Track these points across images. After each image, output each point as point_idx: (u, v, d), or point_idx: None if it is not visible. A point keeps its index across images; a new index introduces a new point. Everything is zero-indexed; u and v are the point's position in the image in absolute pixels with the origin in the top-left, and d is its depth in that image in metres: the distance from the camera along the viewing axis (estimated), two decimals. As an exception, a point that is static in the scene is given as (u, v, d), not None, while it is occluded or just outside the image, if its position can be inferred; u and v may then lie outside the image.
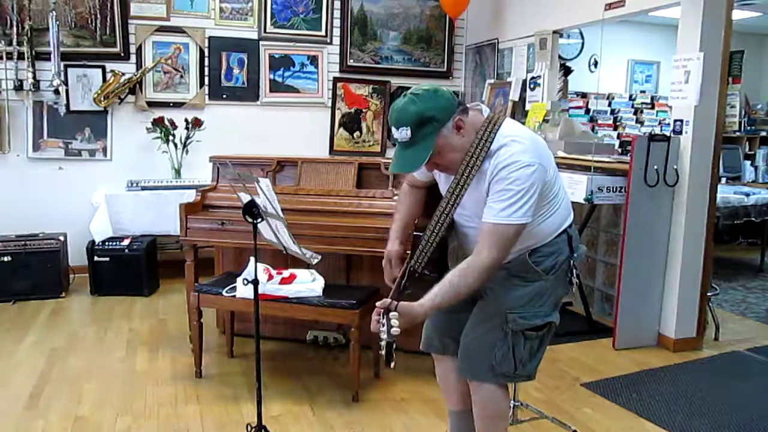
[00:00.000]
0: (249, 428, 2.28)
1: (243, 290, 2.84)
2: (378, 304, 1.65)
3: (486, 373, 1.92)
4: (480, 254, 1.74)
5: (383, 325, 1.60)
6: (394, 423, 2.72)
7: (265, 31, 5.30)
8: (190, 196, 3.69)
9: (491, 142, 1.76)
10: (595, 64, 6.88)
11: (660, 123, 6.99)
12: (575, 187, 3.70)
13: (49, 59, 4.61)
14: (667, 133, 3.63)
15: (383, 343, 1.60)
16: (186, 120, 4.90)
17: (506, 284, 1.90)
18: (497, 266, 1.76)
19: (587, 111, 6.82)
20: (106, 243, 4.48)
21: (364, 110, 5.64)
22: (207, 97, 5.21)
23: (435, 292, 1.71)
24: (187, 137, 4.91)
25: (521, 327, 1.87)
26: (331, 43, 5.51)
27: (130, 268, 4.48)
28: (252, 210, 2.14)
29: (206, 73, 5.18)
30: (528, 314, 1.88)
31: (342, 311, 2.80)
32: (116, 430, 2.62)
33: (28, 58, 4.60)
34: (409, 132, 1.73)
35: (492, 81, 5.46)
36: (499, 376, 1.92)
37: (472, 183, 1.78)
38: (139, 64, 4.98)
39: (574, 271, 1.93)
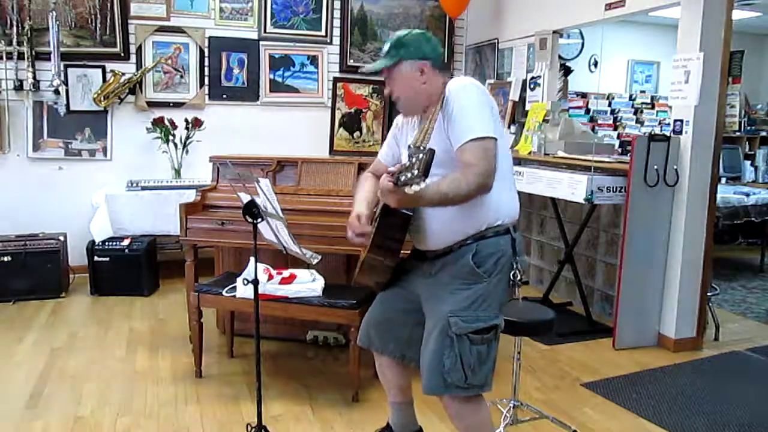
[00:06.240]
0: (249, 428, 2.28)
1: (243, 290, 2.84)
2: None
3: (439, 385, 1.90)
4: (470, 166, 1.75)
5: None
6: (394, 423, 2.72)
7: (265, 31, 5.30)
8: (190, 196, 3.69)
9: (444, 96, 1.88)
10: (595, 64, 6.89)
11: (660, 123, 6.99)
12: (575, 187, 3.70)
13: (49, 59, 4.61)
14: (667, 133, 3.62)
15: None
16: (186, 120, 4.90)
17: (448, 288, 1.91)
18: (489, 179, 1.76)
19: (587, 111, 6.81)
20: (106, 243, 4.48)
21: (364, 110, 5.64)
22: (207, 97, 5.20)
23: (436, 181, 1.70)
24: (187, 137, 4.91)
25: (464, 330, 1.86)
26: (331, 43, 5.51)
27: (130, 268, 4.48)
28: (252, 210, 2.14)
29: (206, 73, 5.18)
30: (470, 317, 1.87)
31: (342, 311, 2.80)
32: (116, 430, 2.62)
33: (28, 58, 4.59)
34: (388, 46, 1.94)
35: (492, 81, 5.46)
36: (452, 387, 1.89)
37: (434, 133, 1.82)
38: (139, 64, 4.98)
39: (518, 274, 1.92)
